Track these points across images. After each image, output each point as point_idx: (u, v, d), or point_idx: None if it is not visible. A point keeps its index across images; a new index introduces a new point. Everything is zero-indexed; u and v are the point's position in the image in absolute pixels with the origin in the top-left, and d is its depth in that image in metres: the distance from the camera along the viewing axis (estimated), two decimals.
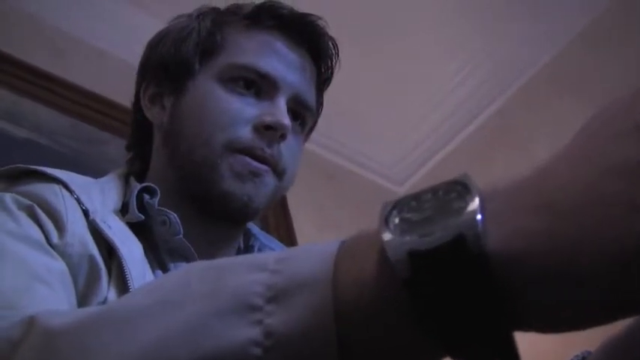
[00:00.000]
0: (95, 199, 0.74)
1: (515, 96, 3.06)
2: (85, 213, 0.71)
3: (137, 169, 0.90)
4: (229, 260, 0.37)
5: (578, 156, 0.30)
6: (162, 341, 0.33)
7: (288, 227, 2.67)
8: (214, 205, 0.80)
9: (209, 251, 0.82)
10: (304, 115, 0.88)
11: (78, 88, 2.15)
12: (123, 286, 0.65)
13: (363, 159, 3.42)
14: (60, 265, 0.64)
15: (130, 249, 0.70)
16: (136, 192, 0.78)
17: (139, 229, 0.76)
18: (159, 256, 0.76)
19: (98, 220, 0.70)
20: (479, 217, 0.29)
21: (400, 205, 0.32)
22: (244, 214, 0.80)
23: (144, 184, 0.79)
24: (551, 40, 2.87)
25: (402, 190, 3.59)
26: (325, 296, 0.31)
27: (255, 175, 0.79)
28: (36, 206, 0.68)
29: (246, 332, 0.32)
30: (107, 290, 0.65)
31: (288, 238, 2.65)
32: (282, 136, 0.81)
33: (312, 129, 0.94)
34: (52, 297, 0.58)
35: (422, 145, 3.42)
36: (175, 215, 0.76)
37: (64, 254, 0.65)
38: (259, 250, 0.89)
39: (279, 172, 0.82)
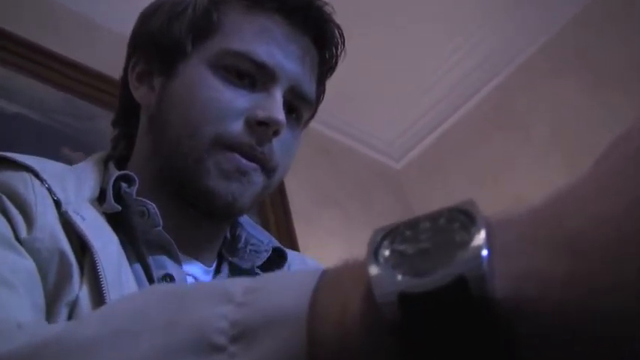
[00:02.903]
0: (69, 188, 0.69)
1: (514, 74, 3.04)
2: (57, 204, 0.66)
3: (120, 151, 0.84)
4: (193, 286, 0.32)
5: (603, 186, 0.25)
6: None
7: (284, 205, 2.63)
8: (198, 201, 0.75)
9: (192, 244, 0.78)
10: (302, 107, 0.81)
11: (71, 62, 2.10)
12: (95, 284, 0.60)
13: (360, 135, 3.39)
14: (27, 263, 0.59)
15: (105, 243, 0.65)
16: (112, 180, 0.72)
17: (117, 219, 0.71)
18: (137, 248, 0.71)
19: (71, 212, 0.65)
20: (484, 253, 0.24)
21: (393, 234, 0.28)
22: (228, 212, 0.75)
23: (121, 172, 0.74)
24: (551, 18, 2.83)
25: (399, 167, 3.58)
26: (298, 338, 0.27)
27: (243, 174, 0.73)
28: (4, 197, 0.64)
29: None
30: (79, 288, 0.60)
31: (284, 216, 2.61)
32: (276, 133, 0.75)
33: (310, 119, 0.87)
34: (13, 301, 0.54)
35: (420, 121, 3.40)
36: (154, 206, 0.71)
37: (32, 250, 0.61)
38: (246, 240, 0.84)
39: (269, 170, 0.76)
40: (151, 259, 0.71)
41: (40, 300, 0.58)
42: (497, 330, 0.24)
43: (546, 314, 0.23)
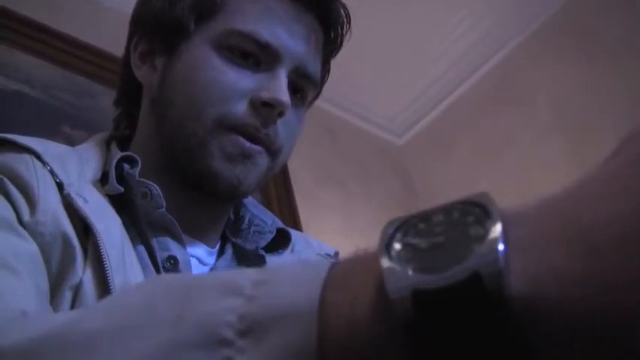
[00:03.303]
0: (71, 170, 0.68)
1: (517, 50, 3.02)
2: (60, 186, 0.65)
3: (123, 131, 0.83)
4: (200, 277, 0.31)
5: (614, 184, 0.25)
6: None
7: (285, 182, 2.62)
8: (201, 183, 0.74)
9: (195, 226, 0.77)
10: (306, 88, 0.80)
11: (71, 39, 2.07)
12: (99, 267, 0.60)
13: (362, 111, 3.38)
14: (30, 247, 0.59)
15: (108, 226, 0.64)
16: (115, 162, 0.72)
17: (120, 201, 0.71)
18: (141, 230, 0.71)
19: (73, 195, 0.64)
20: (501, 248, 0.24)
21: (406, 226, 0.27)
22: (233, 195, 0.75)
23: (124, 153, 0.73)
24: None
25: (401, 143, 3.57)
26: (308, 334, 0.26)
27: (247, 156, 0.72)
28: (6, 180, 0.63)
29: None
30: (82, 272, 0.60)
31: (285, 192, 2.60)
32: (281, 114, 0.73)
33: (315, 99, 0.86)
34: (17, 287, 0.53)
35: (422, 97, 3.39)
36: (157, 187, 0.70)
37: (35, 233, 0.60)
38: (249, 221, 0.83)
39: (273, 152, 0.75)
40: (154, 241, 0.70)
41: (44, 284, 0.58)
42: (512, 327, 0.23)
43: (563, 312, 0.23)
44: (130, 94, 0.83)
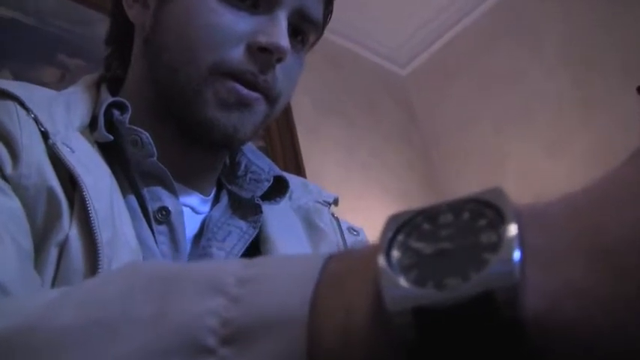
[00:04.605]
0: (58, 117, 0.65)
1: None
2: (45, 135, 0.61)
3: (114, 71, 0.79)
4: (182, 269, 0.28)
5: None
6: None
7: (287, 114, 2.58)
8: (195, 131, 0.70)
9: (189, 174, 0.74)
10: (307, 30, 0.75)
11: None
12: (86, 222, 0.57)
13: (365, 40, 3.32)
14: (12, 203, 0.56)
15: (96, 177, 0.61)
16: (103, 108, 0.68)
17: (110, 149, 0.68)
18: (131, 179, 0.68)
19: (59, 144, 0.61)
20: (517, 261, 0.21)
21: (409, 226, 0.24)
22: (228, 143, 0.71)
23: (114, 99, 0.69)
24: None
25: (405, 73, 3.52)
26: (297, 344, 0.23)
27: (244, 104, 0.68)
28: None
29: None
30: (69, 227, 0.57)
31: (286, 126, 2.57)
32: (279, 60, 0.69)
33: (316, 42, 0.81)
34: None
35: (427, 26, 3.34)
36: (147, 135, 0.67)
37: (18, 187, 0.57)
38: (246, 167, 0.80)
39: (271, 99, 0.71)
40: (145, 191, 0.67)
41: (27, 244, 0.55)
42: (524, 350, 0.20)
43: (583, 336, 0.20)
44: (121, 33, 0.78)
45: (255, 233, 0.75)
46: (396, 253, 0.23)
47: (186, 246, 0.69)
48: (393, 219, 0.25)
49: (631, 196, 0.21)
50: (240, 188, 0.78)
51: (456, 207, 0.24)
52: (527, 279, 0.21)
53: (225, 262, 0.28)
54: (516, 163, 2.98)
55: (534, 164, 2.89)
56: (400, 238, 0.24)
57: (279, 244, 0.75)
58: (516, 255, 0.21)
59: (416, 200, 3.15)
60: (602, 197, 0.22)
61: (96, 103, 0.72)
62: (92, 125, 0.69)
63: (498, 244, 0.21)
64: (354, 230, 0.87)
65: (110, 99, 0.69)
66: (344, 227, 0.85)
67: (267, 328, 0.24)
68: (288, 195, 0.81)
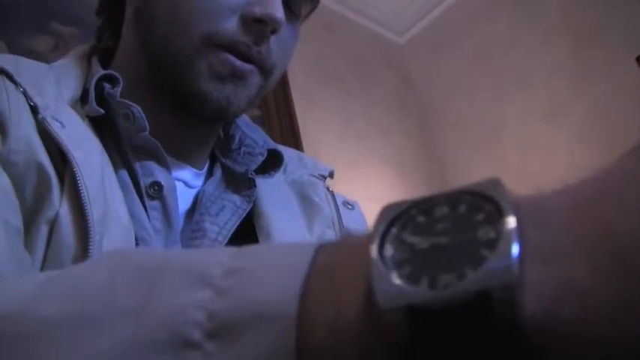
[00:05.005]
0: (47, 90, 0.63)
1: None
2: (34, 110, 0.60)
3: (106, 43, 0.78)
4: (169, 258, 0.27)
5: None
6: None
7: (283, 83, 2.57)
8: (189, 104, 0.68)
9: (181, 147, 0.73)
10: (302, 1, 0.74)
11: None
12: (77, 199, 0.56)
13: (362, 7, 3.29)
14: (1, 181, 0.55)
15: (87, 152, 0.60)
16: (94, 81, 0.66)
17: (101, 122, 0.66)
18: (123, 154, 0.67)
19: (49, 119, 0.59)
20: (514, 255, 0.20)
21: (404, 219, 0.23)
22: (222, 116, 0.70)
23: (104, 72, 0.68)
24: None
25: (403, 41, 3.50)
26: (285, 340, 0.22)
27: (238, 76, 0.67)
28: None
29: None
30: (59, 203, 0.56)
31: (283, 94, 2.55)
32: (274, 31, 0.67)
33: (312, 12, 0.79)
34: None
35: None
36: (139, 109, 0.65)
37: (7, 163, 0.56)
38: (240, 140, 0.79)
39: (266, 71, 0.70)
40: (137, 166, 0.66)
41: (16, 221, 0.54)
42: (522, 351, 0.20)
43: (585, 338, 0.19)
44: (112, 3, 0.77)
45: (249, 207, 0.74)
46: (389, 247, 0.22)
47: (179, 221, 0.68)
48: (386, 210, 0.24)
49: (635, 191, 0.20)
50: (234, 162, 0.77)
51: (453, 199, 0.23)
52: (525, 276, 0.20)
53: (213, 252, 0.27)
54: (514, 131, 2.97)
55: (532, 133, 2.88)
56: (394, 231, 0.23)
57: (273, 219, 0.74)
58: (514, 251, 0.20)
59: (412, 169, 3.15)
60: (604, 190, 0.21)
61: (87, 75, 0.71)
62: (83, 98, 0.68)
63: (496, 240, 0.21)
64: (349, 204, 0.87)
65: (101, 72, 0.68)
66: (339, 201, 0.85)
67: (254, 322, 0.23)
68: (282, 168, 0.80)
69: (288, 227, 0.75)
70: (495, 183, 0.23)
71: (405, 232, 0.22)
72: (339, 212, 0.83)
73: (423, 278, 0.21)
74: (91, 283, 0.28)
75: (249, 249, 0.27)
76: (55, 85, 0.65)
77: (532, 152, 2.87)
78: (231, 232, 0.71)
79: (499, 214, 0.21)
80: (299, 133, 2.55)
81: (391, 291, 0.21)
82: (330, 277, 0.24)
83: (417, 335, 0.20)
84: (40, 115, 0.59)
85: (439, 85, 3.31)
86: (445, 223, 0.22)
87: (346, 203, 0.86)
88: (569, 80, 2.75)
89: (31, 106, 0.60)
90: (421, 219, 0.23)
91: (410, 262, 0.21)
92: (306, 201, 0.82)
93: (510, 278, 0.20)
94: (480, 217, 0.22)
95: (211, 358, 0.23)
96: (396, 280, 0.21)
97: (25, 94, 0.61)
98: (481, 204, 0.22)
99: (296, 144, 2.48)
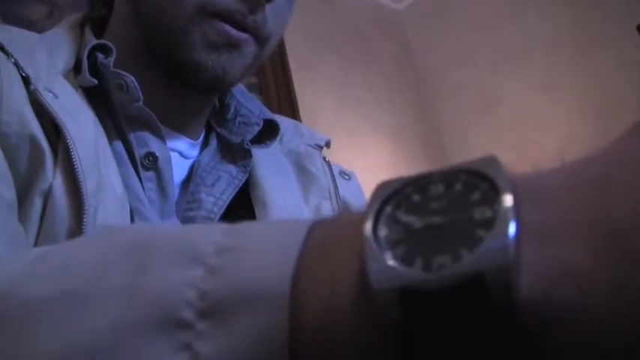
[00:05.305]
0: (40, 61, 0.62)
1: None
2: (26, 81, 0.59)
3: (99, 11, 0.76)
4: (160, 235, 0.27)
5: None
6: None
7: (280, 51, 2.55)
8: (183, 74, 0.67)
9: (176, 117, 0.72)
10: None
11: None
12: (70, 171, 0.56)
13: None
14: None
15: (80, 123, 0.59)
16: (87, 51, 0.65)
17: (95, 93, 0.66)
18: (118, 125, 0.66)
19: (41, 90, 0.58)
20: (511, 235, 0.19)
21: (398, 197, 0.23)
22: (217, 86, 0.69)
23: (97, 42, 0.67)
24: None
25: (401, 7, 3.47)
26: (278, 320, 0.22)
27: (233, 45, 0.66)
28: None
29: None
30: (53, 176, 0.55)
31: (280, 63, 2.54)
32: (269, 0, 0.66)
33: None
34: None
35: None
36: (133, 79, 0.64)
37: None
38: (235, 110, 0.78)
39: (261, 40, 0.68)
40: (132, 136, 0.66)
41: (10, 194, 0.54)
42: (517, 335, 0.19)
43: (581, 323, 0.19)
44: None
45: (245, 178, 0.74)
46: (383, 226, 0.22)
47: (175, 192, 0.68)
48: (380, 188, 0.23)
49: (634, 175, 0.20)
50: (230, 132, 0.77)
51: (448, 177, 0.22)
52: (522, 257, 0.19)
53: (205, 228, 0.27)
54: (512, 101, 2.96)
55: (530, 103, 2.87)
56: (388, 209, 0.22)
57: (269, 189, 0.74)
58: (511, 232, 0.20)
59: (410, 137, 3.14)
60: (604, 173, 0.20)
61: (80, 45, 0.69)
62: (76, 69, 0.67)
63: (492, 219, 0.20)
64: (346, 174, 0.86)
65: (94, 41, 0.67)
66: (335, 171, 0.84)
67: (246, 302, 0.23)
68: (278, 138, 0.80)
69: (284, 198, 0.75)
70: (492, 160, 0.22)
71: (400, 211, 0.22)
72: (336, 182, 0.82)
73: (418, 259, 0.20)
74: (80, 261, 0.27)
75: (241, 226, 0.26)
76: (47, 56, 0.64)
77: (529, 121, 2.86)
78: (227, 203, 0.70)
79: (495, 193, 0.21)
80: (296, 101, 2.54)
81: (385, 272, 0.20)
82: (324, 256, 0.23)
83: (411, 317, 0.20)
84: (32, 86, 0.59)
85: (437, 54, 3.29)
86: (440, 202, 0.22)
87: (343, 173, 0.86)
88: (568, 50, 2.74)
89: (23, 77, 0.59)
90: (416, 197, 0.22)
91: (404, 243, 0.21)
92: (302, 171, 0.81)
93: (507, 260, 0.19)
94: (476, 196, 0.21)
95: (204, 337, 0.23)
96: (390, 260, 0.21)
97: (16, 64, 0.60)
98: (477, 182, 0.21)
99: (293, 112, 2.47)
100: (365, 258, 0.21)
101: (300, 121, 2.43)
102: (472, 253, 0.19)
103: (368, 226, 0.22)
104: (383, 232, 0.22)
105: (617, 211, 0.19)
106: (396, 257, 0.21)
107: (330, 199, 0.80)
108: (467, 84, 3.14)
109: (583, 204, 0.20)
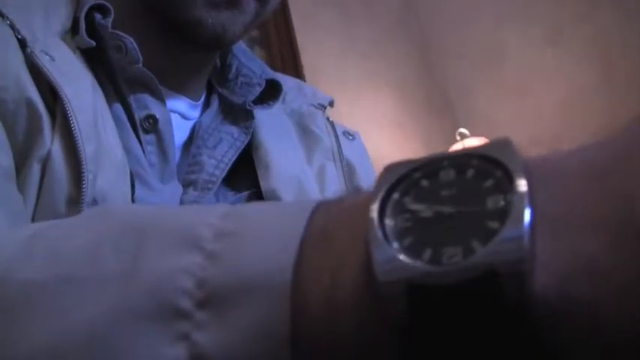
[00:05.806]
0: (36, 23, 0.61)
1: None
2: (22, 43, 0.58)
3: None
4: (157, 216, 0.26)
5: None
6: (53, 349, 0.23)
7: (282, 4, 2.51)
8: (183, 32, 0.66)
9: (177, 78, 0.71)
10: None
11: None
12: (69, 136, 0.55)
13: None
14: None
15: (78, 87, 0.58)
16: (84, 11, 0.63)
17: (93, 55, 0.64)
18: (117, 87, 0.65)
19: (38, 53, 0.57)
20: (526, 229, 0.18)
21: (407, 182, 0.21)
22: (217, 44, 0.67)
23: (95, 2, 0.65)
24: None
25: None
26: (279, 311, 0.21)
27: (234, 3, 0.64)
28: None
29: (167, 352, 0.22)
30: (51, 142, 0.54)
31: (282, 16, 2.50)
32: None
33: None
34: None
35: None
36: (132, 40, 0.63)
37: None
38: (237, 70, 0.77)
39: None
40: (131, 98, 0.64)
41: (7, 160, 0.53)
42: (529, 331, 0.19)
43: (597, 324, 0.18)
44: None
45: (247, 139, 0.73)
46: (390, 214, 0.21)
47: (175, 155, 0.67)
48: (387, 172, 0.22)
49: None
50: (232, 93, 0.75)
51: (459, 163, 0.21)
52: (536, 251, 0.19)
53: (202, 211, 0.26)
54: (516, 56, 2.92)
55: (534, 58, 2.84)
56: (395, 196, 0.21)
57: (271, 151, 0.73)
58: (526, 220, 0.19)
59: (414, 92, 3.11)
60: (625, 157, 0.19)
61: (77, 5, 0.68)
62: (74, 30, 0.65)
63: (506, 210, 0.19)
64: (350, 134, 0.85)
65: (91, 1, 0.65)
66: (339, 131, 0.83)
67: (247, 292, 0.22)
68: (281, 98, 0.78)
69: (287, 159, 0.74)
70: (505, 144, 0.21)
71: (408, 198, 0.21)
72: (339, 143, 0.81)
73: (426, 250, 0.19)
74: (75, 243, 0.26)
75: (240, 209, 0.25)
76: (43, 17, 0.62)
77: (533, 76, 2.84)
78: (229, 166, 0.70)
79: (509, 181, 0.20)
80: (298, 53, 2.51)
81: (391, 263, 0.19)
82: (327, 241, 0.22)
83: (417, 310, 0.19)
84: (28, 49, 0.57)
85: (442, 8, 3.24)
86: (451, 189, 0.20)
87: (347, 133, 0.85)
88: (572, 2, 2.70)
89: (18, 40, 0.58)
90: (425, 183, 0.21)
91: (412, 232, 0.20)
92: (305, 132, 0.80)
93: (522, 253, 0.18)
94: (489, 184, 0.20)
95: (202, 327, 0.22)
96: (397, 251, 0.20)
97: (12, 26, 0.58)
98: (490, 170, 0.20)
99: (296, 66, 2.44)
100: (370, 247, 0.20)
101: (302, 74, 2.40)
102: (485, 247, 0.19)
103: (374, 213, 0.21)
104: (390, 220, 0.21)
105: (635, 205, 0.18)
106: (403, 248, 0.20)
107: (334, 161, 0.79)
108: (471, 38, 3.10)
109: (602, 193, 0.19)
